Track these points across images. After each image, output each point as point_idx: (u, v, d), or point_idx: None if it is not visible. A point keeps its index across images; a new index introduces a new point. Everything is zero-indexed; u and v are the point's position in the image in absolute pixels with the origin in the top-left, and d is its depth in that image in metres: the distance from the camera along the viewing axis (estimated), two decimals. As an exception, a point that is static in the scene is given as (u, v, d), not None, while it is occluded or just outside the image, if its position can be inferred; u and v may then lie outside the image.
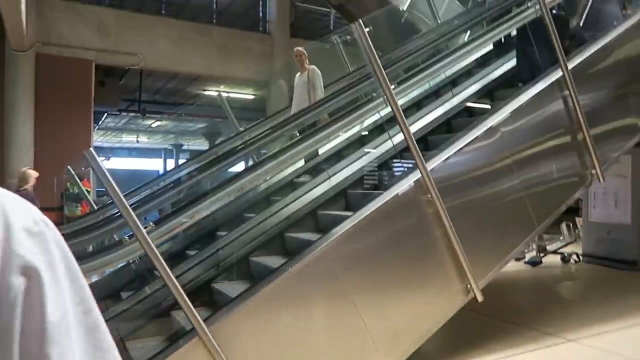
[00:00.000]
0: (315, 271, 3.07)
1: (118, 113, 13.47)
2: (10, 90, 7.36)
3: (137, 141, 21.06)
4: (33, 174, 5.95)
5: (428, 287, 3.54)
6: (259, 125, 6.36)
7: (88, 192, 7.39)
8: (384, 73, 3.36)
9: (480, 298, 3.57)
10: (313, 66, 6.04)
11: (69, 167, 5.27)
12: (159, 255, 2.62)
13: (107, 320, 0.50)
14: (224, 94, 12.67)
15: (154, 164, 26.31)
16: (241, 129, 6.31)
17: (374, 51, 3.33)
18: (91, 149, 2.54)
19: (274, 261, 3.72)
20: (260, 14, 11.04)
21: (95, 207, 5.08)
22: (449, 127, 5.18)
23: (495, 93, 5.50)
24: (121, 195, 2.55)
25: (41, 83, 7.53)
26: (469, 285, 3.55)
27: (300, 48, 6.19)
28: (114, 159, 21.23)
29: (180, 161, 24.39)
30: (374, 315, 3.27)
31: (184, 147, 24.47)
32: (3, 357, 0.41)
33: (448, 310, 3.54)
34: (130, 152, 25.26)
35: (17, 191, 5.74)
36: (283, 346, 2.99)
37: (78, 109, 8.12)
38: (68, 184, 7.33)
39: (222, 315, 2.83)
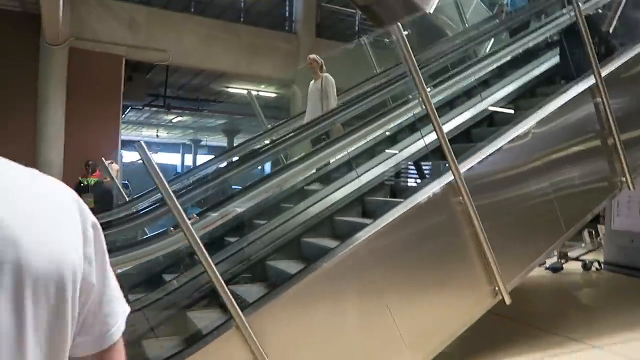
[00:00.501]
0: (348, 267, 3.14)
1: (141, 108, 13.70)
2: (43, 83, 7.55)
3: (157, 135, 21.31)
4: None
5: (457, 288, 3.59)
6: (285, 125, 6.47)
7: (102, 182, 7.49)
8: (421, 76, 3.42)
9: (508, 301, 3.60)
10: (327, 74, 5.96)
11: (103, 159, 5.41)
12: (201, 245, 2.71)
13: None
14: (238, 90, 12.85)
15: (172, 159, 26.59)
16: (269, 126, 6.41)
17: (412, 53, 3.39)
18: (142, 141, 2.64)
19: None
20: (287, 14, 11.15)
21: (127, 199, 5.20)
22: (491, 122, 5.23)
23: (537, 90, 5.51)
24: (169, 188, 2.65)
25: (73, 77, 7.70)
26: (497, 288, 3.59)
27: (313, 55, 6.09)
28: (133, 152, 21.48)
29: (199, 156, 24.70)
30: (404, 313, 3.32)
31: (202, 143, 24.74)
32: (88, 280, 0.64)
33: (476, 312, 3.58)
34: (149, 146, 25.55)
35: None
36: (316, 339, 3.06)
37: (107, 103, 8.30)
38: (80, 177, 7.50)
39: (258, 306, 2.91)
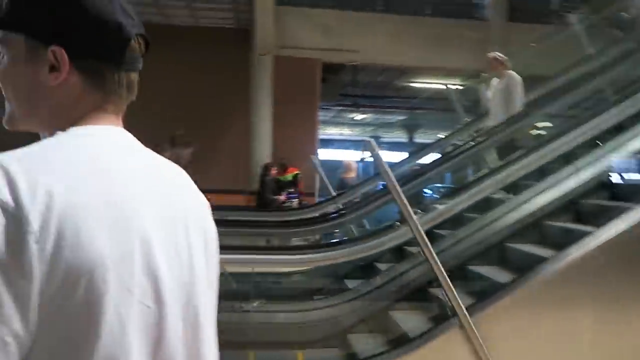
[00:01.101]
0: (584, 272, 2.85)
1: (328, 107, 14.51)
2: (254, 90, 8.50)
3: (341, 134, 22.32)
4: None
5: None
6: (479, 121, 6.17)
7: (297, 176, 8.14)
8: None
9: None
10: (512, 72, 5.45)
11: (312, 156, 5.87)
12: (427, 240, 2.73)
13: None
14: (422, 85, 12.68)
15: (352, 155, 27.52)
16: (466, 119, 6.22)
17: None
18: (371, 139, 2.76)
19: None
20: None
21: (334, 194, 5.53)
22: None
23: None
24: (396, 183, 2.73)
25: (278, 82, 8.51)
26: None
27: (494, 54, 5.62)
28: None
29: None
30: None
31: (380, 139, 25.15)
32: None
33: None
34: (329, 143, 26.84)
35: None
36: (543, 350, 2.84)
37: (307, 105, 9.02)
38: (277, 176, 8.30)
39: (485, 305, 2.81)
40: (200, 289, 0.79)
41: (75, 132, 0.76)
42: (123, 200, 0.71)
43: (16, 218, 0.61)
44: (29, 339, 0.62)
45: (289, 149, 8.48)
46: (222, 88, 9.19)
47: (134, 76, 0.85)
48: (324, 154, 24.55)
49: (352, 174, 6.47)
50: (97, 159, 0.73)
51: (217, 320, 0.88)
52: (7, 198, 0.61)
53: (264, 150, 8.36)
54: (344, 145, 28.22)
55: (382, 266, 4.45)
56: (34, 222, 0.61)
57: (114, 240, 0.67)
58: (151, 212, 0.74)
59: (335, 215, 4.17)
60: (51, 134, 0.77)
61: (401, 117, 18.69)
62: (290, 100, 8.60)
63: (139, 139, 0.86)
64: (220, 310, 0.88)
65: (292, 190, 7.77)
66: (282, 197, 7.61)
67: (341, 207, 4.39)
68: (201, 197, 0.88)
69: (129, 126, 0.84)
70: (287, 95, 8.53)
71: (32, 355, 0.63)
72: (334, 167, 9.02)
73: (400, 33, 9.40)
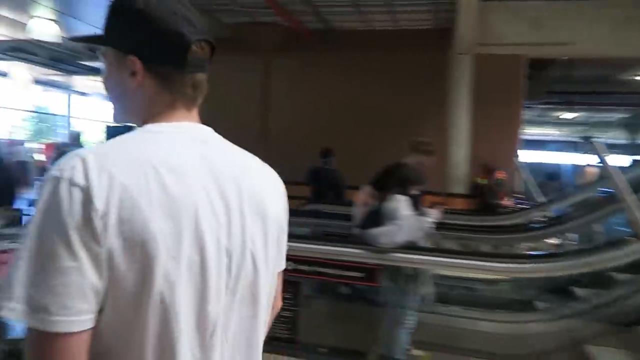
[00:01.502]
0: None
1: (532, 106, 13.37)
2: (452, 90, 8.30)
3: (547, 134, 20.45)
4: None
5: None
6: None
7: (502, 181, 7.79)
8: None
9: None
10: None
11: (515, 159, 5.49)
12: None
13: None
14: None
15: (559, 158, 24.86)
16: None
17: None
18: (599, 140, 2.48)
19: None
20: None
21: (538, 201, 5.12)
22: None
23: None
24: (630, 191, 2.39)
25: (477, 81, 8.16)
26: None
27: None
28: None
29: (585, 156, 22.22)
30: None
31: (593, 140, 22.07)
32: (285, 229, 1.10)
33: None
34: (533, 145, 24.61)
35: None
36: None
37: (508, 104, 8.47)
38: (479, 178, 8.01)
39: None
40: (254, 264, 0.94)
41: (147, 128, 0.94)
42: (176, 186, 0.84)
43: (87, 196, 0.79)
44: (104, 290, 0.80)
45: (489, 150, 8.09)
46: (419, 89, 9.21)
47: (200, 76, 0.98)
48: (527, 156, 22.73)
49: (588, 181, 5.87)
50: (159, 151, 0.87)
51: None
52: (83, 181, 0.79)
53: (461, 153, 8.12)
54: (549, 147, 25.65)
55: (579, 292, 4.00)
56: (99, 203, 0.79)
57: (163, 220, 0.82)
58: (203, 196, 0.88)
59: (548, 224, 3.84)
60: (139, 126, 0.96)
61: (622, 116, 16.23)
62: (491, 99, 8.17)
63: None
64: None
65: (521, 196, 7.58)
66: (508, 203, 7.45)
67: (554, 215, 4.02)
68: (272, 184, 1.03)
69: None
70: (487, 94, 8.13)
71: (106, 303, 0.80)
72: (539, 170, 8.32)
73: (627, 20, 8.15)
